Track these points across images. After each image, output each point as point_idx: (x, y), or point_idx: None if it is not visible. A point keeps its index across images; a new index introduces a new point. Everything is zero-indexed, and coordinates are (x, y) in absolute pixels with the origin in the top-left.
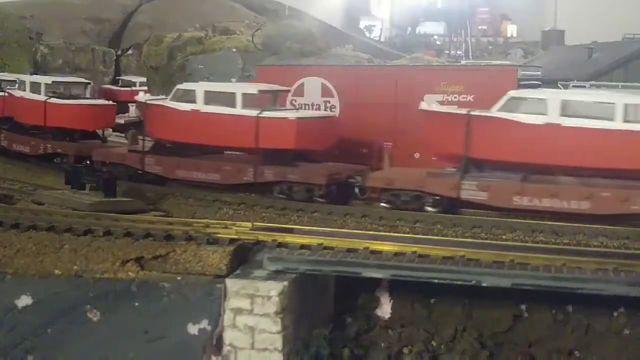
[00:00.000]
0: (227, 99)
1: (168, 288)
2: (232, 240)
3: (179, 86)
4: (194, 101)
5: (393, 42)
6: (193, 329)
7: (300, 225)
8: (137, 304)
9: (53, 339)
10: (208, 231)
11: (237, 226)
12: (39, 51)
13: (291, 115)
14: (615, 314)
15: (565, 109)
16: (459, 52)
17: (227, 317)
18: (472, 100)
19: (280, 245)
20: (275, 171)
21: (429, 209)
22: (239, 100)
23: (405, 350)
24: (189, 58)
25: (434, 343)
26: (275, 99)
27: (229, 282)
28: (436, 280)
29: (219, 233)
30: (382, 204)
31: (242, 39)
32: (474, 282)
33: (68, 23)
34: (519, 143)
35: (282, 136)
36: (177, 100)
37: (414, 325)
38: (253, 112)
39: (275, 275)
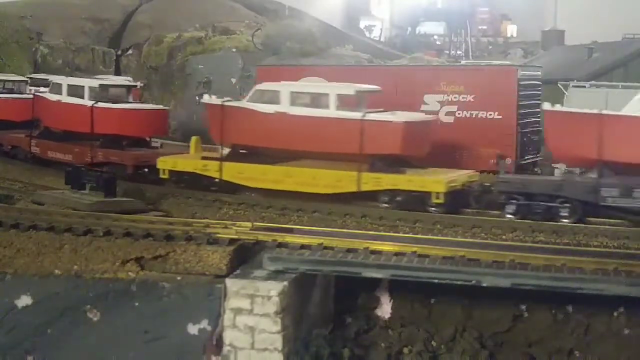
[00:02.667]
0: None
1: (168, 288)
2: (232, 240)
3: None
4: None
5: (393, 42)
6: (193, 329)
7: (300, 225)
8: (137, 304)
9: (53, 339)
10: (208, 231)
11: (237, 226)
12: (39, 51)
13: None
14: (615, 314)
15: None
16: (459, 52)
17: (227, 317)
18: (472, 100)
19: (280, 245)
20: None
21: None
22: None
23: (405, 350)
24: (189, 58)
25: (434, 343)
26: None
27: (229, 282)
28: (436, 280)
29: (219, 233)
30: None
31: (242, 39)
32: (474, 282)
33: (68, 23)
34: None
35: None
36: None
37: (414, 325)
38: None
39: (275, 275)
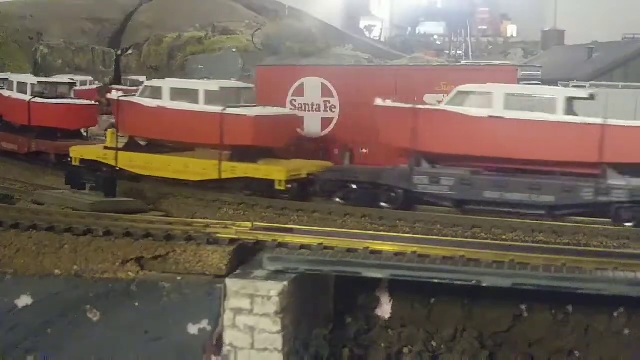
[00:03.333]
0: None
1: (168, 288)
2: (232, 240)
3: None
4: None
5: (393, 42)
6: (193, 329)
7: (300, 225)
8: (137, 303)
9: (53, 339)
10: (208, 231)
11: (237, 226)
12: (39, 51)
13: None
14: (615, 314)
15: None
16: (459, 52)
17: (227, 317)
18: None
19: (280, 245)
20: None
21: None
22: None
23: (405, 350)
24: (189, 58)
25: (434, 343)
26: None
27: (229, 282)
28: (436, 280)
29: (219, 233)
30: None
31: (242, 39)
32: (474, 282)
33: (68, 23)
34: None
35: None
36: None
37: (414, 325)
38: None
39: (275, 275)
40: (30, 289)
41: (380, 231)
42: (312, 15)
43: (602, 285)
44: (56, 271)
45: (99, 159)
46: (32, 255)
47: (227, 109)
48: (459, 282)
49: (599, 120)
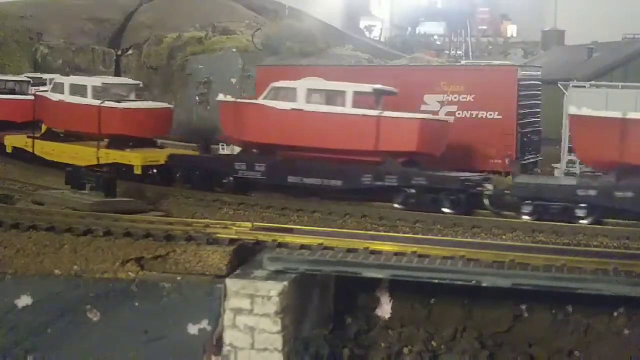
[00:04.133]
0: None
1: (168, 288)
2: (232, 240)
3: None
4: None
5: (393, 42)
6: (193, 329)
7: (300, 225)
8: (137, 304)
9: (53, 339)
10: (208, 231)
11: (237, 226)
12: (39, 51)
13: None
14: (615, 314)
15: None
16: (459, 52)
17: (227, 317)
18: (472, 100)
19: (280, 245)
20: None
21: None
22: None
23: (405, 350)
24: (189, 58)
25: (434, 343)
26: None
27: (229, 282)
28: (436, 280)
29: (219, 233)
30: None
31: (242, 39)
32: (474, 282)
33: (68, 23)
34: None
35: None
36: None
37: (414, 325)
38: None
39: (275, 275)
40: (30, 289)
41: (380, 231)
42: (312, 15)
43: (602, 285)
44: (56, 271)
45: (22, 146)
46: (32, 255)
47: (105, 102)
48: (459, 282)
49: (375, 113)
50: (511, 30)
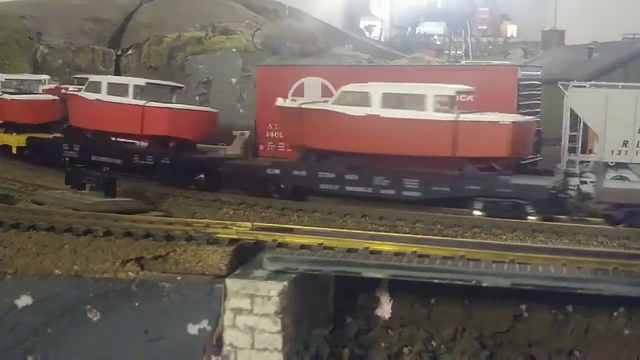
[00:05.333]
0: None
1: (168, 288)
2: (232, 240)
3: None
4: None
5: (393, 42)
6: (193, 329)
7: (300, 225)
8: (137, 304)
9: (53, 339)
10: (208, 231)
11: (237, 226)
12: (39, 51)
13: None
14: (615, 314)
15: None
16: (459, 52)
17: (227, 317)
18: (472, 100)
19: (280, 245)
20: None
21: None
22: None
23: (405, 350)
24: (189, 58)
25: (434, 343)
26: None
27: (229, 282)
28: (436, 280)
29: (219, 233)
30: None
31: (242, 39)
32: (474, 282)
33: (68, 23)
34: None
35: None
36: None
37: (414, 325)
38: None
39: (275, 275)
40: (30, 289)
41: (380, 231)
42: (312, 15)
43: (602, 285)
44: (56, 271)
45: None
46: (32, 255)
47: (4, 94)
48: (459, 282)
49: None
50: (511, 30)
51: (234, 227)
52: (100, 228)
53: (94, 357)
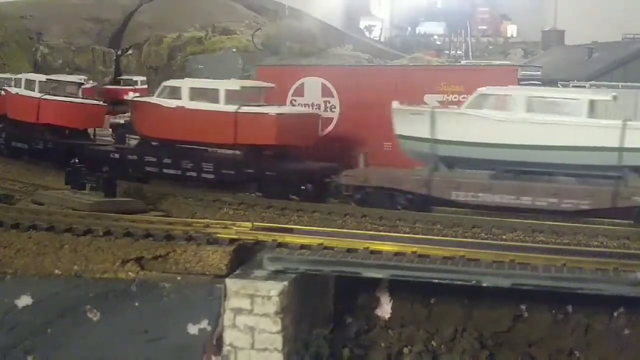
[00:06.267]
0: None
1: (168, 288)
2: (232, 240)
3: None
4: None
5: (393, 42)
6: (193, 329)
7: (300, 225)
8: (137, 304)
9: (53, 339)
10: (208, 231)
11: (237, 226)
12: (39, 51)
13: None
14: (615, 314)
15: None
16: (459, 52)
17: (227, 317)
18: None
19: (280, 245)
20: None
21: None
22: None
23: (405, 350)
24: (189, 58)
25: (434, 343)
26: None
27: (229, 282)
28: (436, 280)
29: (219, 233)
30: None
31: (242, 39)
32: (474, 282)
33: (68, 23)
34: None
35: None
36: None
37: (414, 325)
38: None
39: (275, 275)
40: (30, 289)
41: (380, 231)
42: (312, 15)
43: (602, 285)
44: (56, 271)
45: None
46: (32, 255)
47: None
48: (459, 282)
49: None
50: (511, 30)
51: (234, 227)
52: (100, 228)
53: (94, 357)
